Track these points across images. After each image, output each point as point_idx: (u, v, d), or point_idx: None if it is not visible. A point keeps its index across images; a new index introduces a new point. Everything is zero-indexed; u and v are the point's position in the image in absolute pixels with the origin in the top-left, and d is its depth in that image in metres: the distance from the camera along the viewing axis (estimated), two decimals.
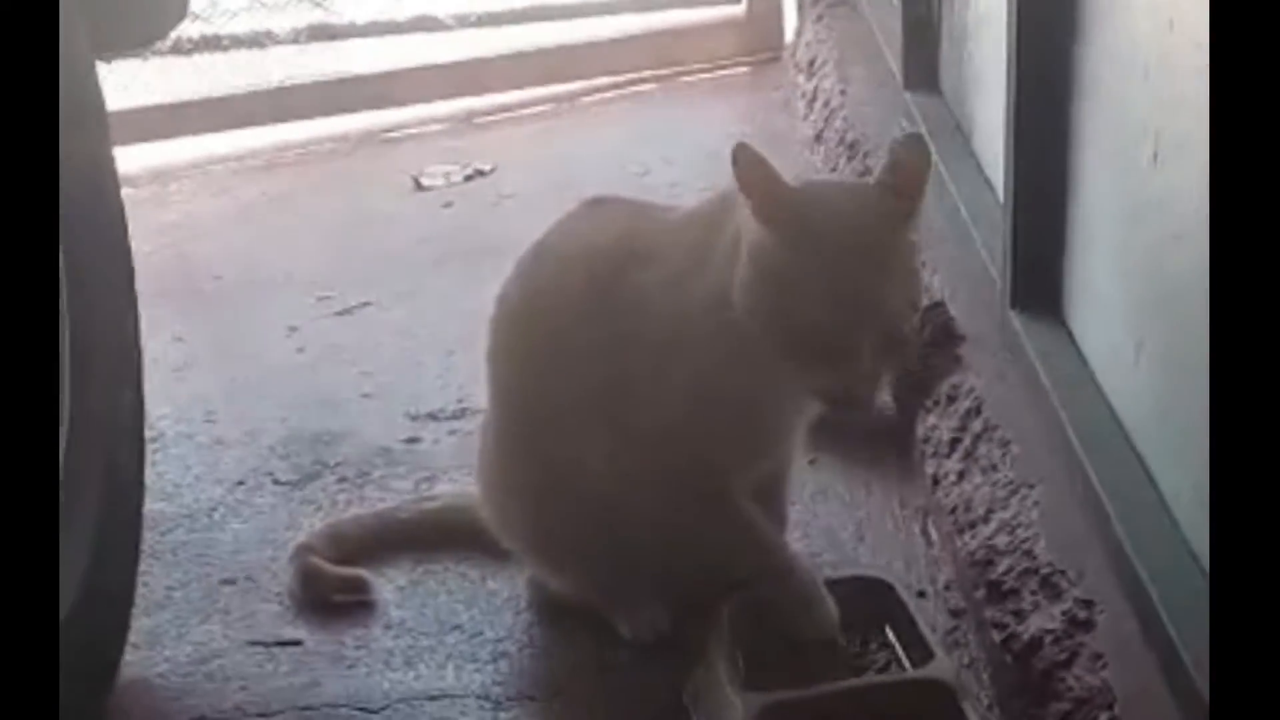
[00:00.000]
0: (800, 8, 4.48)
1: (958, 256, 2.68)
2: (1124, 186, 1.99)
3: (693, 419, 1.95)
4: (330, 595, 2.27)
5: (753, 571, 2.03)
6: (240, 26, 4.79)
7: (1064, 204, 2.26)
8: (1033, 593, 1.93)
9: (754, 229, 1.80)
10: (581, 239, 2.08)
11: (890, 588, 2.01)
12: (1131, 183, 1.96)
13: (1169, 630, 1.67)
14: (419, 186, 3.98)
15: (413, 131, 4.42)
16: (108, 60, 4.27)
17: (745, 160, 1.80)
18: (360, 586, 2.28)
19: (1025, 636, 1.88)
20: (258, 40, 4.70)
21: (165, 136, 4.28)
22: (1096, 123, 2.12)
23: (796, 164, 3.74)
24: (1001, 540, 2.04)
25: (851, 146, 3.43)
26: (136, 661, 2.16)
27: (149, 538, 2.32)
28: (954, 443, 2.29)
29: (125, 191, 2.07)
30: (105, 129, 2.00)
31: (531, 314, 2.09)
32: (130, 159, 3.41)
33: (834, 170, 3.45)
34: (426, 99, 4.49)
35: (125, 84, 4.42)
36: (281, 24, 4.79)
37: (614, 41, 4.65)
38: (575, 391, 2.02)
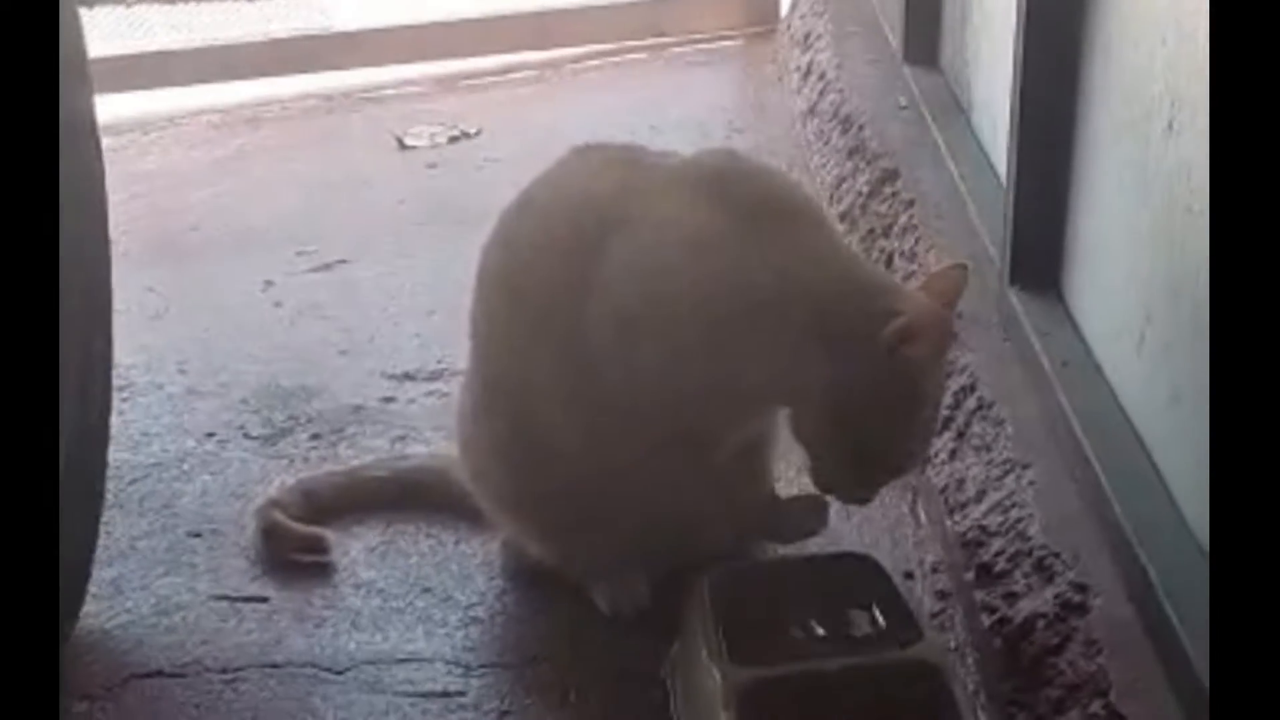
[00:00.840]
0: None
1: (954, 233, 2.62)
2: (1134, 158, 1.94)
3: (668, 400, 1.89)
4: (290, 553, 2.22)
5: (735, 529, 2.01)
6: None
7: (1068, 178, 2.21)
8: (1025, 575, 1.87)
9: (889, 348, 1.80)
10: (569, 191, 2.00)
11: (877, 565, 1.94)
12: (1143, 154, 1.90)
13: (1169, 617, 1.62)
14: (402, 146, 3.93)
15: (398, 91, 4.36)
16: (90, 5, 4.24)
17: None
18: (320, 546, 2.22)
19: (1016, 620, 1.82)
20: None
21: (146, 86, 4.21)
22: (1107, 92, 2.07)
23: (789, 137, 3.69)
24: (993, 521, 1.99)
25: (845, 120, 3.37)
26: (96, 612, 2.10)
27: (115, 487, 2.27)
28: (946, 420, 2.22)
29: (103, 140, 2.00)
30: (86, 76, 1.95)
31: (514, 267, 2.01)
32: (110, 108, 3.33)
33: (827, 144, 3.39)
34: (413, 59, 4.43)
35: (108, 31, 4.37)
36: None
37: (607, 8, 4.59)
38: (555, 352, 1.95)
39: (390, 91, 4.35)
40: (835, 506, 2.24)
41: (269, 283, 3.16)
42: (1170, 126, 1.79)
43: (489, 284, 2.05)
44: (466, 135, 3.96)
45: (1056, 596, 1.80)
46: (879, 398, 1.83)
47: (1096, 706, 1.63)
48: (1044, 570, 1.86)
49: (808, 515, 2.03)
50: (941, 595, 2.07)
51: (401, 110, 4.19)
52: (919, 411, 1.88)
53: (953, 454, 2.19)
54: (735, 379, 1.85)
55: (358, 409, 2.63)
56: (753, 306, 1.82)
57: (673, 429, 1.89)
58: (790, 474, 2.31)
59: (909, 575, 2.11)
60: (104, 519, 2.11)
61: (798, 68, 3.99)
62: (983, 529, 2.00)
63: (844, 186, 3.12)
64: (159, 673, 2.02)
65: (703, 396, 1.87)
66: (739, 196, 1.88)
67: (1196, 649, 1.56)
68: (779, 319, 1.82)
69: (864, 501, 2.01)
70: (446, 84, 4.37)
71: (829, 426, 1.87)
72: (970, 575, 1.96)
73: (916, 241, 2.67)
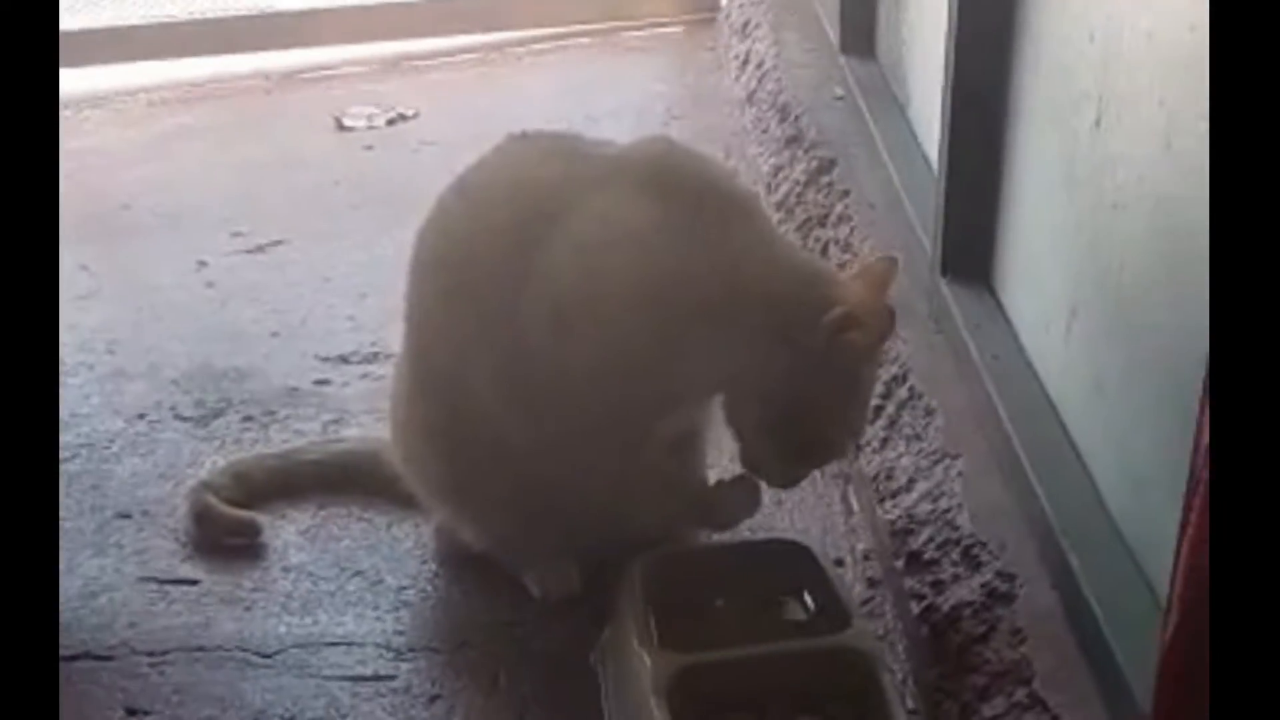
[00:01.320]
0: None
1: (889, 223, 2.64)
2: (1063, 154, 1.95)
3: (602, 392, 1.88)
4: (221, 536, 2.21)
5: (669, 517, 2.01)
6: None
7: (999, 171, 2.22)
8: (953, 564, 1.89)
9: (826, 341, 1.81)
10: (506, 179, 2.00)
11: (808, 552, 1.96)
12: (1071, 150, 1.91)
13: (1091, 606, 1.64)
14: (340, 127, 3.91)
15: (337, 72, 4.33)
16: None
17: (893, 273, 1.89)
18: (251, 530, 2.22)
19: (944, 608, 1.84)
20: None
21: (83, 63, 4.17)
22: (1037, 87, 2.08)
23: (726, 125, 3.70)
24: (923, 510, 2.01)
25: (783, 109, 3.38)
26: None
27: None
28: (878, 410, 2.24)
29: None
30: None
31: (449, 255, 2.00)
32: None
33: (764, 133, 3.40)
34: (353, 39, 4.41)
35: None
36: None
37: None
38: (489, 341, 1.94)
39: (330, 72, 4.33)
40: (769, 493, 2.26)
41: (202, 263, 3.14)
42: (1098, 123, 1.80)
43: (424, 271, 2.04)
44: (404, 117, 3.95)
45: (983, 585, 1.82)
46: (815, 386, 1.84)
47: (1020, 694, 1.65)
48: (971, 559, 1.88)
49: (739, 501, 2.03)
50: (872, 583, 2.08)
51: (340, 91, 4.17)
52: (854, 399, 1.90)
53: (884, 443, 2.20)
54: (672, 372, 1.85)
55: (291, 391, 2.63)
56: (691, 301, 1.82)
57: (606, 419, 1.89)
58: (724, 461, 2.33)
59: (840, 562, 2.13)
60: None
61: (736, 56, 4.00)
62: (912, 518, 2.02)
63: (781, 175, 3.13)
64: (86, 654, 2.01)
65: (638, 389, 1.87)
66: (676, 187, 1.88)
67: (1117, 638, 1.58)
68: (716, 312, 1.82)
69: (793, 484, 2.03)
70: (387, 66, 4.36)
71: (765, 414, 1.88)
72: (900, 563, 1.98)
73: (851, 231, 2.69)
